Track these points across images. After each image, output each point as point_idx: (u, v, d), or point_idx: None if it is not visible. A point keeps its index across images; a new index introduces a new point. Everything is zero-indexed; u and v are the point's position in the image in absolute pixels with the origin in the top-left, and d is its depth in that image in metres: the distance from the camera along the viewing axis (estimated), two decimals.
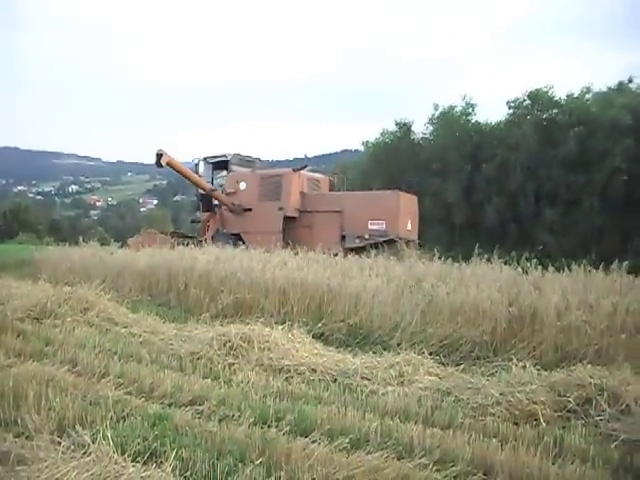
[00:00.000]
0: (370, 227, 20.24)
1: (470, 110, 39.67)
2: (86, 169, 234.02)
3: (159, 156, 20.77)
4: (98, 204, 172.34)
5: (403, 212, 20.75)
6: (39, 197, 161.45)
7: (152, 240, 21.55)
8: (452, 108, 39.79)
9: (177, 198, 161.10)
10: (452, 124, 39.25)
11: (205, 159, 24.22)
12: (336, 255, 14.87)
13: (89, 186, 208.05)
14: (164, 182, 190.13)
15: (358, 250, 18.18)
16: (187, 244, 19.77)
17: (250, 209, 22.31)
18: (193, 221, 26.87)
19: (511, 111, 37.92)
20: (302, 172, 22.75)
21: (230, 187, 22.87)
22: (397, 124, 42.42)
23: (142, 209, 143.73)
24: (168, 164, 21.12)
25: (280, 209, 21.62)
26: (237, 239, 21.76)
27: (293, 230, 21.42)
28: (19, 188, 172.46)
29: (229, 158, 24.16)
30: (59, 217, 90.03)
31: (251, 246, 16.88)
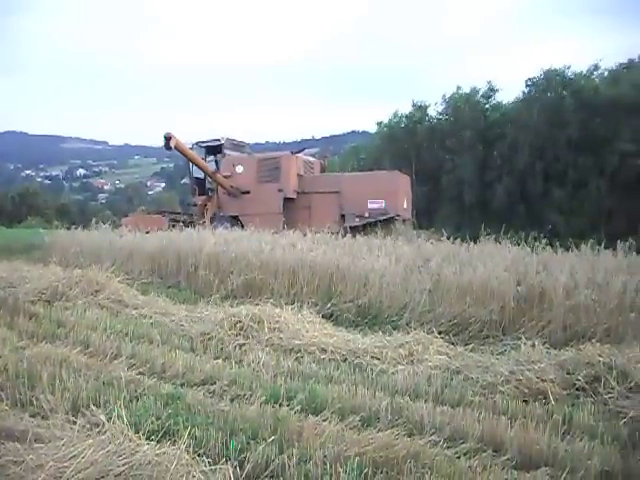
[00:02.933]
0: (370, 206, 20.76)
1: (492, 93, 39.85)
2: (93, 153, 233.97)
3: (168, 139, 20.89)
4: (106, 187, 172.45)
5: (401, 191, 21.54)
6: (47, 181, 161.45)
7: (146, 220, 21.89)
8: (471, 90, 39.90)
9: (185, 181, 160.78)
10: (471, 105, 39.32)
11: (197, 143, 24.39)
12: (337, 233, 15.23)
13: (96, 170, 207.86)
14: (171, 165, 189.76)
15: (358, 228, 18.77)
16: (187, 224, 19.97)
17: (248, 191, 22.55)
18: (189, 204, 27.05)
19: (527, 90, 37.94)
20: (298, 155, 23.13)
21: (226, 170, 23.07)
22: (414, 105, 42.47)
23: (150, 192, 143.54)
24: (176, 147, 21.25)
25: (280, 191, 21.94)
26: (235, 221, 21.99)
27: (292, 211, 21.86)
28: (27, 172, 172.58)
29: (223, 142, 24.34)
30: (67, 201, 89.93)
31: (250, 227, 17.00)
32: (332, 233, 15.23)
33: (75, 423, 4.49)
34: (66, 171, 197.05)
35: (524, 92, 38.37)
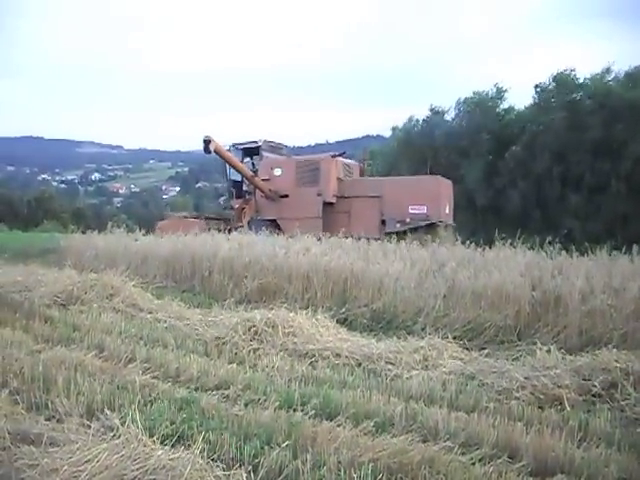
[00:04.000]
0: (411, 211, 20.21)
1: (501, 96, 39.80)
2: (108, 157, 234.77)
3: (207, 142, 20.59)
4: (121, 192, 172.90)
5: (443, 196, 20.97)
6: (62, 185, 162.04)
7: (183, 224, 21.21)
8: (482, 94, 39.88)
9: (199, 185, 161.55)
10: (484, 109, 39.29)
11: (234, 145, 24.01)
12: (377, 239, 14.94)
13: (112, 174, 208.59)
14: (186, 169, 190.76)
15: (399, 234, 18.10)
16: (226, 229, 19.79)
17: (287, 195, 22.13)
18: (226, 208, 26.55)
19: (537, 95, 37.83)
20: (338, 158, 22.55)
21: (264, 173, 22.64)
22: (431, 110, 42.49)
23: (164, 196, 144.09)
24: (215, 150, 21.01)
25: (319, 195, 21.48)
26: (273, 225, 21.57)
27: (331, 216, 21.24)
28: (43, 177, 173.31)
29: (260, 144, 23.74)
30: (83, 205, 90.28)
31: (288, 232, 16.84)
32: (372, 239, 14.93)
33: (90, 427, 4.51)
34: (81, 175, 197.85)
35: (534, 97, 38.38)
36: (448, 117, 42.16)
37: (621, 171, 32.19)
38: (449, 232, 19.67)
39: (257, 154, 23.91)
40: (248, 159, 24.54)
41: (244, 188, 23.96)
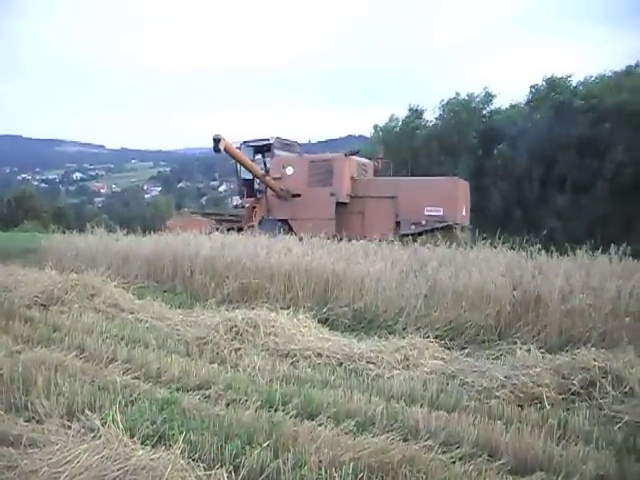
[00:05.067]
0: (427, 213, 19.80)
1: (490, 99, 40.21)
2: (90, 156, 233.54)
3: (216, 141, 20.17)
4: (102, 191, 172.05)
5: (460, 198, 20.55)
6: (43, 185, 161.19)
7: (193, 223, 20.83)
8: (472, 95, 40.25)
9: (181, 185, 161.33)
10: (469, 111, 39.58)
11: (245, 143, 23.50)
12: (392, 241, 14.53)
13: (93, 173, 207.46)
14: (168, 169, 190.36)
15: (414, 236, 17.93)
16: (234, 228, 19.43)
17: (299, 195, 21.67)
18: (236, 207, 25.93)
19: (529, 95, 38.33)
20: (352, 157, 22.14)
21: (276, 172, 22.16)
22: (410, 109, 42.72)
23: (146, 196, 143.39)
24: (225, 149, 20.60)
25: (332, 195, 21.02)
26: (284, 225, 21.19)
27: (344, 216, 20.87)
28: (23, 176, 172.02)
29: (272, 142, 23.22)
30: (64, 205, 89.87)
31: (300, 233, 16.52)
32: (386, 241, 14.56)
33: (70, 428, 4.50)
34: (62, 175, 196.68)
35: (528, 99, 38.82)
36: (430, 117, 42.41)
37: (605, 172, 32.55)
38: (466, 234, 19.32)
39: (268, 152, 23.51)
40: (259, 157, 24.08)
41: (255, 187, 23.56)
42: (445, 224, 19.43)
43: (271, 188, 22.01)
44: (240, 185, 24.31)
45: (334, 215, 20.81)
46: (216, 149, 20.37)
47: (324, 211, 20.82)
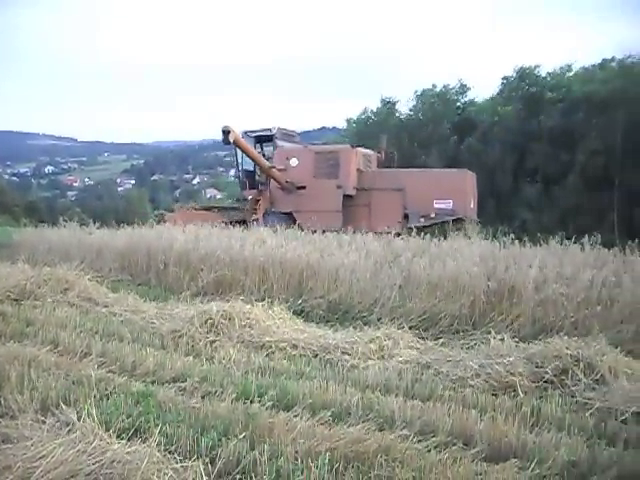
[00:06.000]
0: (436, 206, 19.53)
1: (464, 90, 40.45)
2: (62, 150, 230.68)
3: (226, 133, 19.55)
4: (75, 185, 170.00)
5: (469, 190, 20.39)
6: (14, 178, 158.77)
7: (193, 217, 20.13)
8: (447, 87, 40.49)
9: (155, 177, 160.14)
10: (442, 102, 39.79)
11: (246, 132, 22.69)
12: (398, 235, 14.29)
13: (65, 167, 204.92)
14: (141, 162, 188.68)
15: (422, 229, 17.13)
16: (237, 222, 18.93)
17: (304, 187, 21.15)
18: (238, 200, 24.79)
19: (500, 87, 38.62)
20: (358, 148, 21.80)
21: (279, 163, 21.52)
22: (382, 101, 42.82)
23: (120, 189, 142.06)
24: (234, 141, 20.04)
25: (339, 187, 20.57)
26: (288, 218, 20.49)
27: (350, 209, 20.46)
28: None
29: (274, 132, 22.67)
30: (35, 198, 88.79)
31: (305, 226, 16.36)
32: (394, 233, 14.35)
33: (44, 423, 4.47)
34: (34, 168, 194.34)
35: (499, 89, 39.12)
36: (402, 108, 42.57)
37: (576, 164, 32.91)
38: (473, 226, 19.00)
39: (269, 142, 23.04)
40: (258, 147, 23.46)
41: (256, 178, 23.05)
42: (455, 217, 19.23)
43: (276, 180, 21.50)
44: (242, 177, 23.75)
45: (341, 208, 20.42)
46: (225, 141, 19.83)
47: (330, 204, 20.40)
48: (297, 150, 22.33)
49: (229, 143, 20.01)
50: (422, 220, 19.24)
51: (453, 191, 19.65)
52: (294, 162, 21.47)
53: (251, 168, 23.02)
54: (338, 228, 15.42)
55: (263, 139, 23.20)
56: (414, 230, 14.16)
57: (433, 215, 19.44)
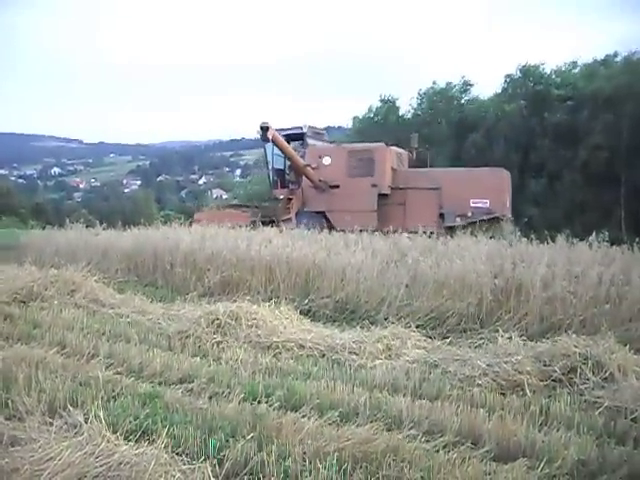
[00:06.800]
0: (473, 205, 19.42)
1: (467, 88, 40.42)
2: (67, 151, 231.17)
3: (265, 129, 19.40)
4: (81, 186, 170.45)
5: (505, 189, 20.27)
6: (21, 180, 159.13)
7: (225, 216, 19.90)
8: (450, 84, 40.44)
9: (160, 178, 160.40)
10: (446, 99, 39.76)
11: (277, 131, 21.54)
12: (432, 234, 14.08)
13: (71, 168, 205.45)
14: (147, 162, 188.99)
15: (458, 229, 17.09)
16: (268, 222, 18.58)
17: (337, 186, 20.88)
18: (269, 199, 24.72)
19: (504, 85, 38.58)
20: (391, 147, 21.57)
21: (311, 162, 21.23)
22: (382, 100, 42.79)
23: (126, 190, 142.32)
24: (273, 138, 19.88)
25: (374, 186, 20.35)
26: (321, 218, 20.51)
27: (384, 208, 20.25)
28: (0, 172, 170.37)
29: (305, 130, 22.42)
30: (42, 200, 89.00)
31: (338, 226, 16.25)
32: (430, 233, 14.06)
33: (52, 425, 4.47)
34: (40, 170, 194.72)
35: (504, 88, 39.08)
36: (403, 106, 42.56)
37: (577, 160, 32.93)
38: (509, 225, 18.81)
39: (298, 140, 22.61)
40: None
41: (286, 177, 22.88)
42: (493, 216, 19.08)
43: (310, 179, 21.24)
44: (273, 175, 23.44)
45: (376, 207, 20.21)
46: (264, 138, 19.72)
47: (365, 203, 20.18)
48: (330, 148, 22.20)
49: (267, 140, 19.86)
50: (458, 219, 19.10)
51: (490, 190, 19.54)
52: (327, 161, 21.24)
53: (282, 167, 22.81)
54: (373, 228, 15.22)
55: (293, 137, 22.64)
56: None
57: (470, 214, 19.27)
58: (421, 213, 19.15)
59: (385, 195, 20.48)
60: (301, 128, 22.54)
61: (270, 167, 23.46)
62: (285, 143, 20.82)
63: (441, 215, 19.68)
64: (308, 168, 21.02)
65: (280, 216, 20.97)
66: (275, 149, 21.97)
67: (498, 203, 19.50)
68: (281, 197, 22.32)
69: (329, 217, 20.48)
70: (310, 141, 22.49)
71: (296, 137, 22.57)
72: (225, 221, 17.44)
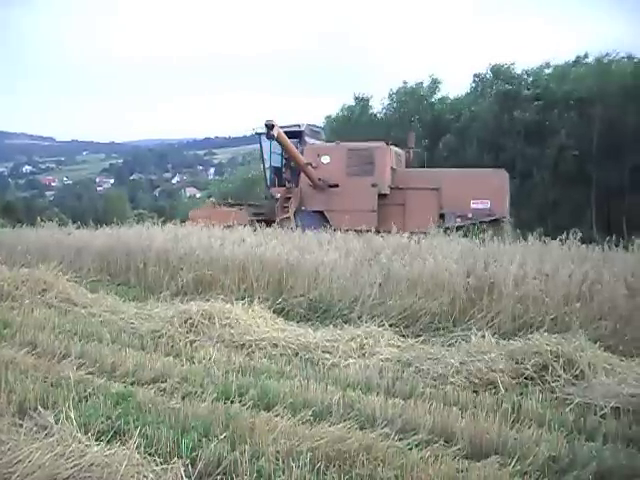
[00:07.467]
0: (473, 206, 19.51)
1: (436, 86, 40.57)
2: (40, 149, 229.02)
3: (270, 127, 19.16)
4: (53, 184, 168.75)
5: (506, 191, 20.26)
6: None
7: (222, 214, 19.81)
8: (419, 84, 40.56)
9: (133, 177, 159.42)
10: (416, 99, 39.89)
11: None
12: (434, 235, 13.68)
13: (43, 166, 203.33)
14: (120, 161, 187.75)
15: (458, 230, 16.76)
16: (265, 221, 18.21)
17: (337, 185, 20.80)
18: (267, 197, 24.18)
19: (474, 84, 38.80)
20: (391, 146, 21.47)
21: (310, 160, 21.01)
22: (356, 98, 42.89)
23: (99, 188, 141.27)
24: (277, 136, 19.64)
25: (374, 185, 20.30)
26: (320, 217, 20.35)
27: (383, 208, 20.18)
28: None
29: (303, 128, 22.43)
30: (13, 198, 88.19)
31: (337, 225, 16.14)
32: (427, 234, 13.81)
33: (22, 426, 4.40)
34: (11, 168, 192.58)
35: (472, 87, 39.33)
36: (376, 105, 42.69)
37: (546, 159, 33.29)
38: (508, 227, 18.96)
39: (295, 138, 22.08)
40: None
41: (284, 176, 22.67)
42: (493, 218, 19.10)
43: (310, 178, 21.05)
44: (271, 174, 23.26)
45: (376, 207, 20.15)
46: (269, 135, 19.50)
47: (364, 202, 20.10)
48: (328, 147, 22.11)
49: (272, 137, 19.64)
50: (459, 220, 19.08)
51: (491, 191, 19.59)
52: (325, 159, 21.11)
53: (279, 165, 22.65)
54: (373, 228, 15.13)
55: (290, 135, 21.98)
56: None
57: (470, 215, 19.30)
58: (421, 213, 18.93)
59: (384, 195, 20.43)
60: (299, 126, 22.45)
61: (267, 165, 23.33)
62: (288, 141, 20.57)
63: (441, 216, 19.62)
64: (309, 167, 20.85)
65: (279, 215, 20.68)
66: (273, 147, 21.91)
67: (499, 204, 19.60)
68: (278, 196, 21.95)
69: (328, 216, 20.31)
70: (308, 139, 22.35)
71: (293, 135, 22.17)
72: (222, 220, 17.24)
